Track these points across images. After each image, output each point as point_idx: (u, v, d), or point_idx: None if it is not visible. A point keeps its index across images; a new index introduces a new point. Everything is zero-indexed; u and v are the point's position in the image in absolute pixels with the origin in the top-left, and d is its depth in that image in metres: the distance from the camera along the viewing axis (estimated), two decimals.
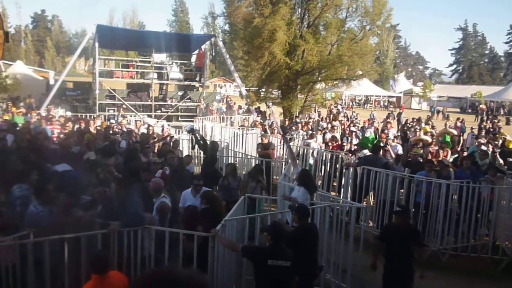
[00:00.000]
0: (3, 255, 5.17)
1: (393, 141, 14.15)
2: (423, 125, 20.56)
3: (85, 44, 24.17)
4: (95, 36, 21.65)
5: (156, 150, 11.93)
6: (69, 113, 20.32)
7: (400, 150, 13.78)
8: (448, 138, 14.33)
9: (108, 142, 11.11)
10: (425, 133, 15.76)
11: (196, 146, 11.31)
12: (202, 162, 11.34)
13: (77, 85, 32.27)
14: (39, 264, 5.33)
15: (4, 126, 12.91)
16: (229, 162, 11.44)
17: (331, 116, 25.26)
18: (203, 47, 26.00)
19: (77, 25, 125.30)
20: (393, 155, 11.22)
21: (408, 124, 21.09)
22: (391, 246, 5.93)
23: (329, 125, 18.17)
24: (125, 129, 14.51)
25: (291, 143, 14.36)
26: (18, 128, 12.65)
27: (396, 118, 28.12)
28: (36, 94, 28.50)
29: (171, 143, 11.79)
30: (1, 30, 2.18)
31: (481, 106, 47.89)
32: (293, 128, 16.92)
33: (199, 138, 10.94)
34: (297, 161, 9.03)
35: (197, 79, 25.49)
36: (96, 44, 21.73)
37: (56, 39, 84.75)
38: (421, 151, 11.62)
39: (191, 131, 10.87)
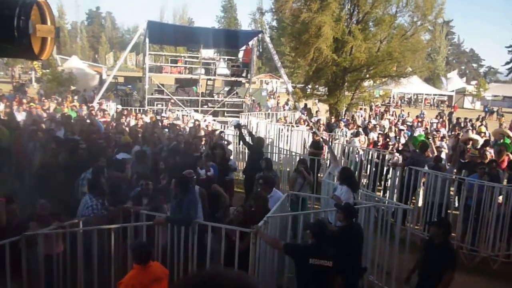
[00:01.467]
0: (53, 243, 5.39)
1: (442, 140, 13.65)
2: (478, 124, 19.75)
3: (136, 39, 24.81)
4: (146, 32, 22.17)
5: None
6: (119, 107, 20.95)
7: (447, 150, 13.30)
8: (508, 141, 13.44)
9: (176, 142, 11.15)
10: (479, 133, 15.06)
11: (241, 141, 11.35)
12: (247, 158, 11.37)
13: (128, 80, 33.28)
14: (88, 252, 5.55)
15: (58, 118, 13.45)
16: (274, 158, 11.45)
17: (375, 114, 24.73)
18: (250, 43, 26.07)
19: (129, 21, 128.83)
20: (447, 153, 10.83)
21: (460, 124, 20.34)
22: (424, 257, 5.62)
23: (373, 124, 17.77)
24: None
25: (336, 141, 14.20)
26: (72, 121, 13.13)
27: (447, 117, 27.16)
28: (89, 88, 29.67)
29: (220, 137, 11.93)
30: (53, 25, 2.28)
31: None
32: (339, 125, 16.66)
33: (246, 133, 10.91)
34: (338, 160, 8.87)
35: (244, 75, 25.59)
36: (147, 40, 22.23)
37: (110, 35, 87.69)
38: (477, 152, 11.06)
39: (238, 126, 10.82)
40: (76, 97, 23.12)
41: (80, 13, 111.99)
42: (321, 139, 12.18)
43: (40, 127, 11.33)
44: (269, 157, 11.01)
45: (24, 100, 18.42)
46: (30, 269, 5.07)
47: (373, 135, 14.62)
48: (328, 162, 12.21)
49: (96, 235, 5.55)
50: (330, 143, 12.82)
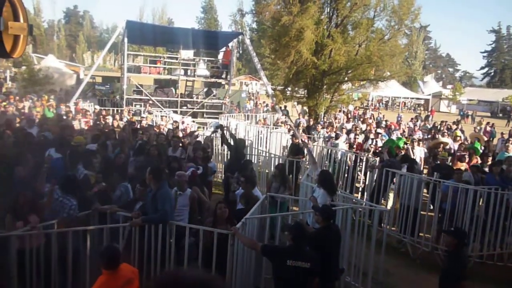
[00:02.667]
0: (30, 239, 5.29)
1: (418, 144, 13.89)
2: (454, 128, 20.16)
3: (114, 39, 24.54)
4: (125, 31, 21.95)
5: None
6: (97, 107, 20.69)
7: (422, 153, 13.56)
8: (478, 145, 13.89)
9: (141, 141, 11.13)
10: (455, 137, 15.38)
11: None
12: (227, 159, 11.35)
13: (106, 80, 32.91)
14: (63, 252, 5.44)
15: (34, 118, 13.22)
16: (252, 160, 11.43)
17: (353, 117, 24.97)
18: (230, 44, 26.06)
19: (108, 20, 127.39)
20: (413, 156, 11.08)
21: (437, 128, 20.71)
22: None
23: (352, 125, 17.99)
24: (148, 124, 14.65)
25: (315, 143, 14.29)
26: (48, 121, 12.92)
27: (423, 121, 27.61)
28: (66, 87, 29.22)
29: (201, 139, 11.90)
30: (26, 23, 2.21)
31: None
32: (316, 128, 16.77)
33: (227, 135, 10.85)
34: (316, 163, 8.93)
35: (223, 76, 25.57)
36: (125, 40, 22.02)
37: (88, 34, 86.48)
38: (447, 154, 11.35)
39: (220, 127, 10.82)
40: (52, 97, 22.72)
41: (57, 11, 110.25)
42: (300, 142, 12.21)
43: (12, 125, 11.10)
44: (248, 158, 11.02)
45: None
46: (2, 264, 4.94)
47: (351, 136, 14.79)
48: (307, 164, 12.33)
49: (71, 237, 5.45)
50: (308, 146, 12.90)
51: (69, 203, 5.92)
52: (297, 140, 12.54)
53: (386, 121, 22.74)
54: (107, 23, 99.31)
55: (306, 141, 15.03)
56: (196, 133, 13.62)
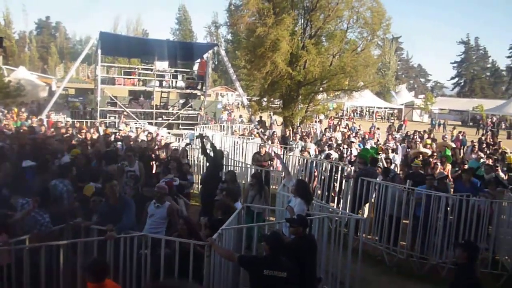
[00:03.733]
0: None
1: (391, 152, 14.14)
2: (425, 137, 20.60)
3: (88, 50, 24.26)
4: (98, 43, 21.75)
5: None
6: (69, 119, 20.36)
7: (398, 161, 13.79)
8: (448, 152, 14.25)
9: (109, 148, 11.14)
10: (425, 146, 15.73)
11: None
12: (205, 169, 11.25)
13: (79, 92, 32.46)
14: (35, 267, 5.29)
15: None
16: (228, 170, 11.39)
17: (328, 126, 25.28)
18: (205, 56, 26.09)
19: (81, 32, 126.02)
20: (383, 166, 11.27)
21: (409, 137, 21.12)
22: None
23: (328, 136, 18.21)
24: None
25: (291, 153, 14.37)
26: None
27: (397, 130, 28.13)
28: (38, 99, 28.69)
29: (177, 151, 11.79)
30: None
31: (485, 119, 47.98)
32: (293, 138, 16.91)
33: (207, 145, 10.69)
34: (290, 174, 8.98)
35: (199, 87, 25.54)
36: (99, 51, 21.80)
37: (60, 45, 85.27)
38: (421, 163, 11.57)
39: (200, 137, 10.59)
40: (23, 109, 22.25)
41: (28, 22, 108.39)
42: (269, 152, 12.27)
43: None
44: (225, 169, 10.98)
45: None
46: None
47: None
48: (282, 174, 12.37)
49: (44, 252, 5.31)
50: (282, 156, 13.00)
51: (42, 219, 5.79)
52: (263, 150, 12.67)
53: (358, 130, 23.07)
54: (81, 35, 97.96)
55: (280, 151, 15.12)
56: (171, 145, 13.53)
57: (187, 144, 12.13)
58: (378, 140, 19.98)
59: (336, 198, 11.36)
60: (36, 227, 5.73)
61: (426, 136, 21.36)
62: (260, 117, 25.10)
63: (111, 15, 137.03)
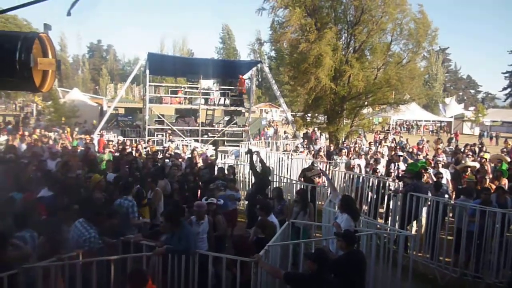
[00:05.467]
0: (52, 277, 5.30)
1: (442, 167, 13.66)
2: (477, 150, 19.78)
3: (136, 71, 25.15)
4: (146, 63, 22.50)
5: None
6: (120, 138, 21.08)
7: (448, 176, 13.29)
8: (505, 167, 13.50)
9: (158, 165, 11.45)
10: (482, 159, 15.02)
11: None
12: (251, 186, 11.25)
13: (128, 111, 33.56)
14: (87, 284, 5.46)
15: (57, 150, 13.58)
16: (275, 186, 11.40)
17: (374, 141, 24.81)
18: (249, 73, 26.43)
19: (130, 53, 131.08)
20: (432, 181, 10.84)
21: (460, 150, 20.36)
22: None
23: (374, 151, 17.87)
24: (172, 153, 14.82)
25: (336, 169, 14.20)
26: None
27: (448, 143, 27.16)
28: (90, 119, 29.93)
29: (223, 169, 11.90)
30: (54, 58, 2.34)
31: None
32: (339, 153, 16.71)
33: (256, 160, 10.69)
34: (337, 189, 8.84)
35: (243, 104, 25.84)
36: (147, 71, 22.55)
37: (111, 67, 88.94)
38: (474, 177, 11.10)
39: (249, 152, 10.55)
40: (77, 129, 23.28)
41: (82, 46, 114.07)
42: (316, 171, 12.12)
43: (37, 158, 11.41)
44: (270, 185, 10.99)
45: (26, 133, 18.56)
46: None
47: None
48: (328, 190, 12.24)
49: (95, 267, 5.48)
50: (327, 173, 12.85)
51: (87, 233, 5.90)
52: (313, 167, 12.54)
53: (405, 144, 22.49)
54: (129, 56, 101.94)
55: (325, 166, 14.99)
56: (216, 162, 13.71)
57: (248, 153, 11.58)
58: (427, 154, 19.35)
59: (384, 214, 11.10)
60: (80, 241, 5.89)
61: (477, 149, 20.49)
62: (306, 132, 25.02)
63: (158, 36, 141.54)
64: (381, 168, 13.41)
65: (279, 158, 15.65)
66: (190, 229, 6.07)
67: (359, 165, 14.61)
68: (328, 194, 11.46)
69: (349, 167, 14.18)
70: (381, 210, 11.52)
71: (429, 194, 9.44)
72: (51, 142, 17.01)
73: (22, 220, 6.00)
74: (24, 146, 14.37)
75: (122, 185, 8.04)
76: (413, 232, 9.38)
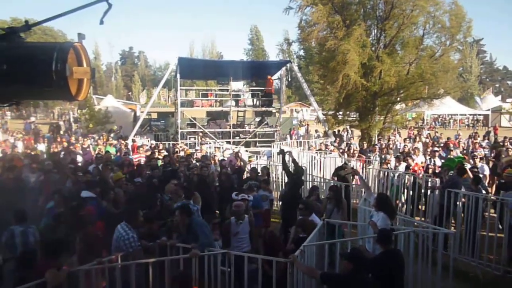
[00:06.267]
0: (93, 280, 5.44)
1: (479, 161, 13.27)
2: None
3: (168, 76, 25.51)
4: (177, 68, 22.80)
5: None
6: (153, 142, 21.43)
7: (486, 171, 12.90)
8: None
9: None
10: None
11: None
12: (285, 185, 11.20)
13: (161, 115, 34.12)
14: (126, 287, 5.58)
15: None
16: (307, 186, 11.34)
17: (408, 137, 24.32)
18: (278, 73, 26.40)
19: (160, 59, 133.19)
20: (471, 176, 10.48)
21: (499, 143, 19.70)
22: None
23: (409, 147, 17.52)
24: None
25: (370, 166, 14.00)
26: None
27: (487, 137, 26.35)
28: (124, 125, 30.58)
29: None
30: (89, 67, 2.42)
31: None
32: (372, 150, 16.49)
33: (289, 160, 10.63)
34: (370, 188, 8.69)
35: (273, 104, 25.82)
36: (178, 76, 22.86)
37: (142, 73, 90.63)
38: None
39: (282, 152, 10.42)
40: (112, 135, 23.82)
41: (114, 53, 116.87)
42: (349, 170, 11.96)
43: (75, 165, 11.74)
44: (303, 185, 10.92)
45: (64, 140, 19.13)
46: None
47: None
48: (362, 188, 12.09)
49: (134, 270, 5.59)
50: (361, 171, 12.67)
51: (125, 234, 5.96)
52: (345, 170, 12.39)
53: (440, 139, 21.94)
54: (160, 62, 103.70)
55: (360, 164, 14.80)
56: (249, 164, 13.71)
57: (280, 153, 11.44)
58: (464, 149, 18.83)
59: (421, 211, 10.87)
60: (120, 243, 6.02)
61: None
62: (338, 130, 24.78)
63: (187, 40, 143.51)
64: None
65: (311, 157, 15.56)
66: (199, 220, 6.19)
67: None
68: (362, 192, 11.32)
69: (384, 163, 14.02)
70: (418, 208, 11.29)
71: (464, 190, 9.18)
72: (88, 149, 17.46)
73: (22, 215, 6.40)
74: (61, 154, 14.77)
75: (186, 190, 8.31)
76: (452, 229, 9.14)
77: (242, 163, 13.19)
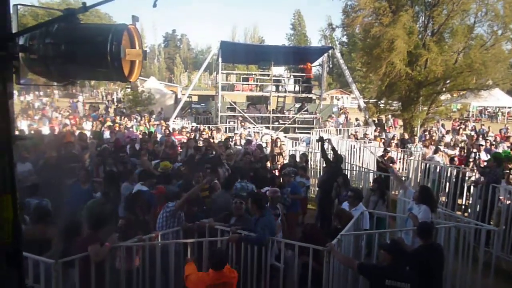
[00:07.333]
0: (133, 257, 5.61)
1: None
2: None
3: (209, 59, 25.67)
4: (219, 51, 22.90)
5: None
6: (194, 124, 21.74)
7: None
8: None
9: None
10: None
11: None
12: (323, 173, 11.09)
13: (201, 98, 34.48)
14: (165, 266, 5.74)
15: (134, 136, 14.30)
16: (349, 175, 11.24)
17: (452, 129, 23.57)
18: (320, 59, 26.07)
19: (202, 42, 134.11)
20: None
21: None
22: None
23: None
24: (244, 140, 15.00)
25: (411, 158, 13.68)
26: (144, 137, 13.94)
27: None
28: (166, 106, 31.14)
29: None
30: (141, 49, 2.45)
31: None
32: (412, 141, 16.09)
33: (328, 148, 10.48)
34: (403, 182, 8.48)
35: (313, 91, 25.59)
36: (220, 59, 22.96)
37: (184, 56, 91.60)
38: None
39: (321, 139, 10.18)
40: (154, 116, 24.31)
41: (157, 36, 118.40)
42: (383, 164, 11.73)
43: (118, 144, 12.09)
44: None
45: (108, 119, 19.67)
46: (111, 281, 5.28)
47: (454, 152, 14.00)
48: (404, 178, 11.90)
49: (173, 249, 5.74)
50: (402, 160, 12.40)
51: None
52: (387, 155, 12.20)
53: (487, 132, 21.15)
54: (202, 45, 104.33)
55: (397, 156, 14.48)
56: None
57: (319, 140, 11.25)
58: None
59: (463, 206, 10.58)
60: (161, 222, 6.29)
61: None
62: (379, 119, 24.31)
63: (229, 24, 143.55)
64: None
65: (351, 146, 15.37)
66: (271, 219, 6.13)
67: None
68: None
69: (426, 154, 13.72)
70: (459, 202, 11.00)
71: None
72: (133, 129, 17.90)
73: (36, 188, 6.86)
74: (107, 133, 15.20)
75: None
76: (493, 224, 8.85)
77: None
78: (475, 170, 11.04)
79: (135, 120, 21.40)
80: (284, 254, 5.71)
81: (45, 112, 25.81)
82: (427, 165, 12.23)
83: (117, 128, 16.45)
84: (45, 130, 16.18)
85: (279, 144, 14.01)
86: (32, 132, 14.67)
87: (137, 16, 2.21)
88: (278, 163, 12.55)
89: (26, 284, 2.15)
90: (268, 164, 11.69)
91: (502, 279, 7.43)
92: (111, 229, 5.47)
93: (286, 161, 12.54)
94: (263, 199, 6.29)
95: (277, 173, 10.82)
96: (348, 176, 11.74)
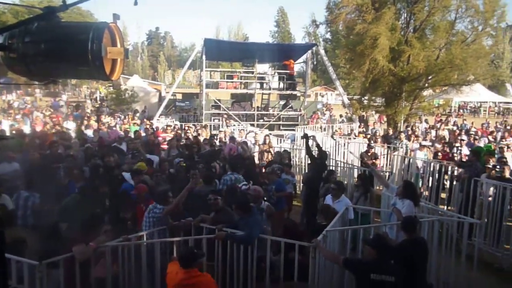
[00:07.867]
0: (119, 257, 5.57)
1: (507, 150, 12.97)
2: None
3: (193, 57, 25.56)
4: (203, 49, 22.80)
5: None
6: (177, 123, 21.62)
7: None
8: None
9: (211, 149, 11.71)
10: None
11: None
12: (307, 170, 11.11)
13: (185, 96, 34.35)
14: (150, 264, 5.72)
15: (121, 135, 14.16)
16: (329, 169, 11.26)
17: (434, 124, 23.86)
18: (304, 56, 26.14)
19: (186, 40, 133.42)
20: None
21: None
22: None
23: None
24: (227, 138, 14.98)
25: (395, 153, 13.81)
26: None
27: None
28: (149, 105, 30.89)
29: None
30: (122, 47, 2.44)
31: None
32: (398, 137, 16.25)
33: (312, 144, 10.49)
34: (386, 181, 8.54)
35: (298, 88, 25.64)
36: (204, 57, 22.87)
37: (168, 53, 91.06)
38: None
39: (305, 136, 10.13)
40: (137, 115, 24.10)
41: (141, 33, 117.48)
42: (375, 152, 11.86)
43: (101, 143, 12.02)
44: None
45: (92, 118, 19.43)
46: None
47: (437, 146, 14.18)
48: (387, 173, 12.02)
49: (159, 248, 5.72)
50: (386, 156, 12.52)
51: (157, 210, 6.31)
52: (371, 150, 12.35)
53: (470, 127, 21.46)
54: (186, 43, 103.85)
55: (383, 150, 14.63)
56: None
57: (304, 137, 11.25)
58: (495, 139, 18.34)
59: (446, 200, 10.73)
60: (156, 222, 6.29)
61: None
62: (362, 116, 24.49)
63: (213, 22, 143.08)
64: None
65: (335, 142, 15.45)
66: (258, 218, 6.14)
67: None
68: (387, 178, 11.21)
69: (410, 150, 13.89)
70: (442, 196, 11.16)
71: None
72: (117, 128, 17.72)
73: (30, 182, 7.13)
74: (90, 132, 15.01)
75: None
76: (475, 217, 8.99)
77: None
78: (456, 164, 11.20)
79: (118, 119, 21.20)
80: (270, 258, 5.70)
81: (26, 111, 25.39)
82: (410, 160, 12.38)
83: (101, 127, 16.28)
84: (27, 130, 15.94)
85: (267, 141, 13.99)
86: (14, 132, 14.44)
87: (118, 14, 2.19)
88: (266, 160, 12.57)
89: (9, 285, 2.12)
90: (257, 160, 11.75)
91: (484, 270, 7.58)
92: (94, 226, 5.43)
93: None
94: (246, 203, 6.28)
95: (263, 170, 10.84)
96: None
